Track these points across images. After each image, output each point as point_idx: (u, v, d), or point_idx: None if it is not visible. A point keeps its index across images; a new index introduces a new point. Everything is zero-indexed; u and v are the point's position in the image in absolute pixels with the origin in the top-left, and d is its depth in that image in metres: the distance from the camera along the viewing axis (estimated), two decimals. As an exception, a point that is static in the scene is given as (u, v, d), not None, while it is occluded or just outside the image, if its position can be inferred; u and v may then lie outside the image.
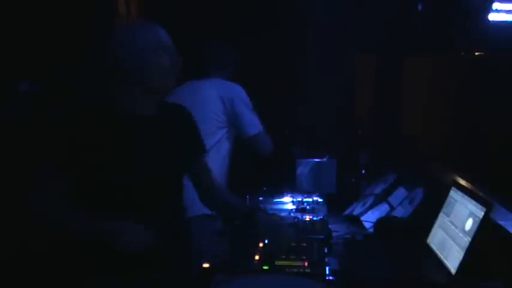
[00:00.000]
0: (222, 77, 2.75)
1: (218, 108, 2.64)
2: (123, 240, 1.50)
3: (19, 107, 2.74)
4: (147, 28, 1.63)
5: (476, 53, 4.69)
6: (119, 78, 1.60)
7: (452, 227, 1.80)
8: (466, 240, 1.65)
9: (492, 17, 3.50)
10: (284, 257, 1.76)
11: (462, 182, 2.06)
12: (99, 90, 1.63)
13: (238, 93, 2.68)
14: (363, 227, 2.41)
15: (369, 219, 2.42)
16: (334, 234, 2.08)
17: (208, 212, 2.46)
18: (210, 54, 2.77)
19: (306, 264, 1.70)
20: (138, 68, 1.58)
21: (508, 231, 1.75)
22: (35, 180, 1.58)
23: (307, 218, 2.34)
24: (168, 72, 1.64)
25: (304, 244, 1.87)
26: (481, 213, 1.63)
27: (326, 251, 1.86)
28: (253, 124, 2.69)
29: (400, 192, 2.58)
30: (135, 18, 1.61)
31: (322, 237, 1.97)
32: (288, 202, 2.71)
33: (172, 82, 1.69)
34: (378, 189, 2.73)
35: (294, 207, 2.58)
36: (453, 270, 1.65)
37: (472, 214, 1.69)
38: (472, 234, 1.63)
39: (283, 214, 2.43)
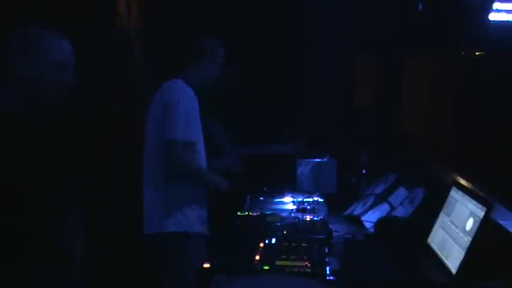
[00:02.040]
0: (196, 75, 2.48)
1: (161, 116, 2.35)
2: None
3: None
4: (52, 37, 1.57)
5: (477, 53, 4.69)
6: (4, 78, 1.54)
7: (453, 227, 1.80)
8: (467, 240, 1.64)
9: (492, 16, 3.50)
10: (284, 257, 1.76)
11: (462, 181, 2.06)
12: None
13: (178, 94, 2.36)
14: (364, 227, 2.41)
15: (370, 219, 2.42)
16: (334, 234, 2.08)
17: (165, 229, 2.35)
18: (183, 52, 2.55)
19: (307, 264, 1.70)
20: (27, 72, 1.52)
21: (508, 231, 1.75)
22: None
23: (308, 218, 2.35)
24: (54, 88, 1.56)
25: (305, 244, 1.87)
26: (481, 213, 1.63)
27: (326, 251, 1.86)
28: (173, 128, 2.31)
29: (401, 192, 2.58)
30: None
31: (322, 237, 1.97)
32: (288, 202, 2.71)
33: (58, 99, 1.58)
34: (379, 189, 2.73)
35: (295, 207, 2.58)
36: (454, 270, 1.65)
37: (472, 214, 1.69)
38: (472, 234, 1.63)
39: (283, 214, 2.43)
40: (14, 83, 1.53)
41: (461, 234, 1.71)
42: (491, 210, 1.62)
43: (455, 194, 1.92)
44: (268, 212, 2.44)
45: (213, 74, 2.53)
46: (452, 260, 1.69)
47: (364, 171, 2.98)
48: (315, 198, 2.74)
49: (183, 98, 2.36)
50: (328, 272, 1.66)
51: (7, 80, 1.54)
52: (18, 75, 1.52)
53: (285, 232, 2.08)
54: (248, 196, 2.72)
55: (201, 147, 2.46)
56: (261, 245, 1.89)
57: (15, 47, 1.53)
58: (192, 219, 2.38)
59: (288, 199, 2.77)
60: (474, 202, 1.72)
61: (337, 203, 2.72)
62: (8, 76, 1.53)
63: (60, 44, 1.58)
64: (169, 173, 2.37)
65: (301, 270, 1.66)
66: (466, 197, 1.80)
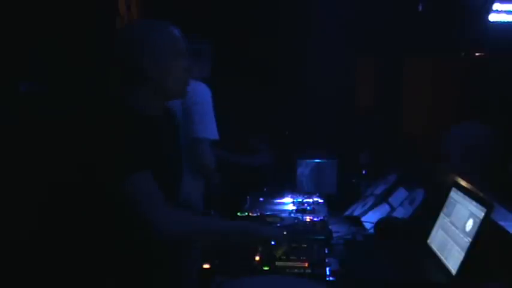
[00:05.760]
0: (198, 75, 2.56)
1: (181, 116, 2.39)
2: (266, 231, 1.70)
3: (19, 107, 2.74)
4: (165, 29, 1.61)
5: (477, 54, 4.69)
6: (131, 77, 1.59)
7: (453, 228, 1.80)
8: (467, 240, 1.64)
9: (493, 17, 3.50)
10: (284, 257, 1.76)
11: (462, 182, 2.06)
12: (106, 90, 1.62)
13: (204, 94, 2.49)
14: (364, 228, 2.41)
15: (370, 219, 2.42)
16: (334, 234, 2.09)
17: None
18: None
19: (307, 265, 1.70)
20: (153, 68, 1.57)
21: (508, 232, 1.75)
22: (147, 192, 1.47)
23: (308, 218, 2.34)
24: (180, 77, 1.63)
25: (305, 245, 1.87)
26: (481, 214, 1.63)
27: (326, 251, 1.86)
28: (206, 127, 2.46)
29: (401, 193, 2.58)
30: (150, 19, 1.61)
31: (322, 237, 1.97)
32: (288, 203, 2.71)
33: (184, 88, 1.67)
34: (378, 190, 2.73)
35: (295, 207, 2.58)
36: (453, 271, 1.65)
37: (472, 215, 1.69)
38: (472, 234, 1.63)
39: (283, 215, 2.43)
40: (146, 83, 1.57)
41: (461, 235, 1.71)
42: (491, 211, 1.63)
43: (455, 194, 1.92)
44: (268, 213, 2.43)
45: (208, 74, 2.68)
46: (452, 260, 1.69)
47: (364, 172, 2.98)
48: (315, 199, 2.74)
49: (208, 97, 2.49)
50: (328, 273, 1.66)
51: (140, 81, 1.58)
52: (149, 75, 1.57)
53: (284, 233, 2.08)
54: (248, 197, 2.72)
55: None
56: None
57: (136, 48, 1.56)
58: None
59: (288, 200, 2.77)
60: (474, 203, 1.72)
61: (337, 203, 2.72)
62: (140, 77, 1.57)
63: (174, 32, 1.61)
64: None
65: (301, 271, 1.66)
66: (466, 197, 1.81)
